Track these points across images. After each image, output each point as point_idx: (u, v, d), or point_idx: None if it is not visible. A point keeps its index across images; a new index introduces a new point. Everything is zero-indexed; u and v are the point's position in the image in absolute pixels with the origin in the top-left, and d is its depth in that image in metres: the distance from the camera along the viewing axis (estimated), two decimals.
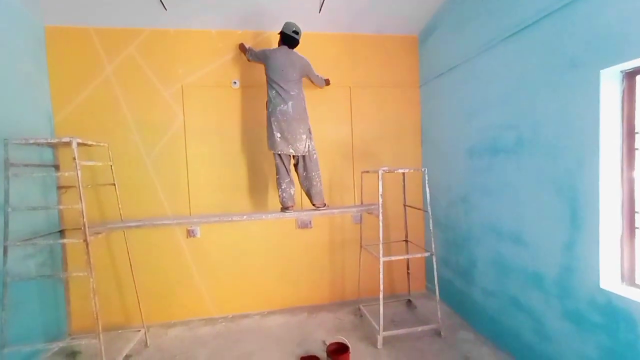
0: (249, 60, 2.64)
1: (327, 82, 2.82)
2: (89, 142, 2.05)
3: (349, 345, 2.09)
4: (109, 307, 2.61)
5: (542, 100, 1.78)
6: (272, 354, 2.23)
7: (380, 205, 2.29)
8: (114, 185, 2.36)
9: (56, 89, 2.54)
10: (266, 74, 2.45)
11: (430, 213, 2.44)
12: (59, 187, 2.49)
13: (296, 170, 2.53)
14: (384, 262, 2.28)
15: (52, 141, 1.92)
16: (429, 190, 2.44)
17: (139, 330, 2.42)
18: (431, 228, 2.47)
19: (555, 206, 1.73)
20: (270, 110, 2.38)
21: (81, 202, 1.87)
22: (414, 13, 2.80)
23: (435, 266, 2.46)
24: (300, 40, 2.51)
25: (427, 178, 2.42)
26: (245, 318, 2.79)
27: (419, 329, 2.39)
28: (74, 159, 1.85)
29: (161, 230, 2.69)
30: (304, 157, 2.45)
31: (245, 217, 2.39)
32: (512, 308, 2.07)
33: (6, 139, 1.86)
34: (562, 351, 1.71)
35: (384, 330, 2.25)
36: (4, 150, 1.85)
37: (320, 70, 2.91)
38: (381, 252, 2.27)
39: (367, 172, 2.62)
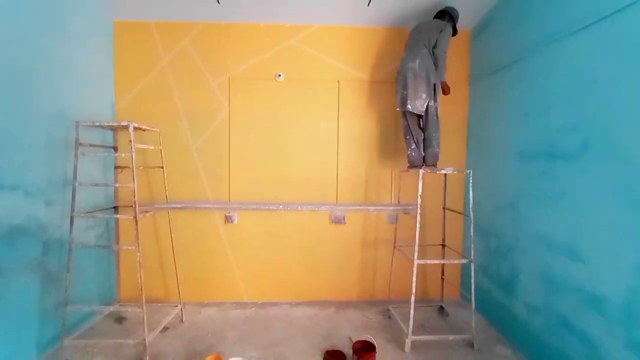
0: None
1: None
2: (143, 127, 2.22)
3: (376, 345, 2.05)
4: (151, 280, 2.82)
5: (619, 99, 1.57)
6: (298, 344, 2.26)
7: (418, 206, 2.20)
8: (162, 168, 2.55)
9: (119, 78, 2.78)
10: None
11: (472, 218, 2.30)
12: (116, 167, 2.73)
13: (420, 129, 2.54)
14: (418, 265, 2.20)
15: (113, 124, 2.12)
16: (472, 193, 2.30)
17: (176, 306, 2.59)
18: (471, 234, 2.33)
19: (626, 220, 1.52)
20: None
21: (134, 182, 2.04)
22: (468, 6, 2.62)
23: (472, 274, 2.31)
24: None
25: (471, 181, 2.28)
26: (274, 306, 2.86)
27: (450, 337, 2.28)
28: (130, 141, 2.02)
29: (202, 214, 2.85)
30: (424, 116, 2.45)
31: (281, 206, 2.45)
32: (561, 329, 1.88)
33: (77, 121, 2.08)
34: None
35: (413, 335, 2.17)
36: (75, 131, 2.07)
37: (367, 66, 2.88)
38: (416, 254, 2.19)
39: (407, 171, 2.53)
